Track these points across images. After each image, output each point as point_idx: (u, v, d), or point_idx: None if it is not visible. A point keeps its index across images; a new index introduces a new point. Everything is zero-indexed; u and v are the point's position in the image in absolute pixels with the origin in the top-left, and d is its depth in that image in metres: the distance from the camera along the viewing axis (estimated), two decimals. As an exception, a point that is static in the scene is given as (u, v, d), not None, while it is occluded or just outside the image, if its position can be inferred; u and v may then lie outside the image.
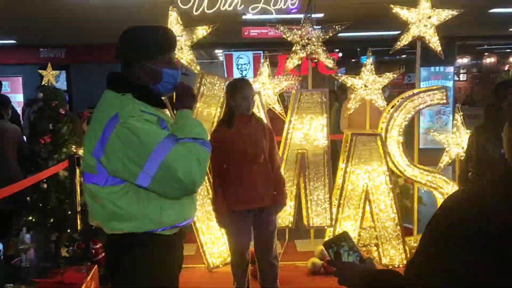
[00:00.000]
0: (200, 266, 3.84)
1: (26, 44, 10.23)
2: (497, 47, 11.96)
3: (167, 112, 1.95)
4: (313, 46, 4.05)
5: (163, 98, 1.82)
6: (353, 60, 13.37)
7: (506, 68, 13.28)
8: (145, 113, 1.64)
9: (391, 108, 3.80)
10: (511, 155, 1.03)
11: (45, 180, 3.52)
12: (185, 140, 1.64)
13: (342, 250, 1.18)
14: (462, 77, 13.54)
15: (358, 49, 11.49)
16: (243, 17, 6.88)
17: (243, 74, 10.27)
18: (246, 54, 10.58)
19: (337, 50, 11.66)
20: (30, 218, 3.57)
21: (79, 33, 7.58)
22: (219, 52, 12.27)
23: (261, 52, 10.20)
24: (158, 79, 1.74)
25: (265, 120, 3.62)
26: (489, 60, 11.22)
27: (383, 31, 9.46)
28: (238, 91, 2.85)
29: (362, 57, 12.38)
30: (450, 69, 10.75)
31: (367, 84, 4.04)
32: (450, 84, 9.93)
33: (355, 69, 10.65)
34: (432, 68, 10.52)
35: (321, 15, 7.11)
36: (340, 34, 10.16)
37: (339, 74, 4.21)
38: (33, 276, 2.80)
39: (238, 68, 10.69)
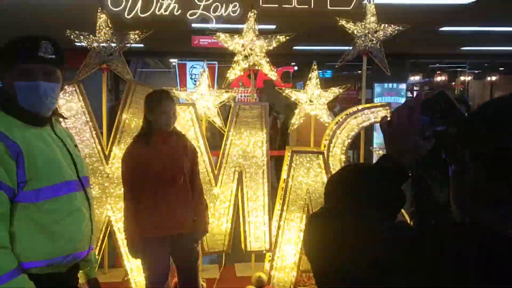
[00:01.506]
0: (126, 294, 3.47)
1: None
2: (449, 65, 12.26)
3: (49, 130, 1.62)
4: (256, 57, 3.82)
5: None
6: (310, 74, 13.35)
7: (454, 85, 13.69)
8: None
9: (335, 125, 3.60)
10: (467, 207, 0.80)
11: None
12: None
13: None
14: (415, 94, 13.80)
15: (314, 62, 11.45)
16: (192, 25, 6.60)
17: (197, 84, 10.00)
18: (200, 64, 10.30)
19: (293, 63, 11.59)
20: None
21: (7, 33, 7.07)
22: (174, 61, 11.94)
23: (216, 62, 9.96)
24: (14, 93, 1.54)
25: (195, 136, 3.33)
26: (440, 78, 11.47)
27: (339, 45, 9.46)
28: (157, 105, 2.54)
29: (321, 71, 12.42)
30: (403, 85, 10.91)
31: (312, 99, 3.85)
32: (402, 100, 10.04)
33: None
34: (386, 85, 10.62)
35: (273, 26, 6.94)
36: (295, 48, 10.14)
37: (283, 88, 4.01)
38: None
39: (191, 78, 10.41)
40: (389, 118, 0.98)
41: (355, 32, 3.91)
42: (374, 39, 3.95)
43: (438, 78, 11.66)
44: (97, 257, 3.30)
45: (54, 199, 1.49)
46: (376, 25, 3.91)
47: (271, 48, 3.84)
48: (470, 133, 0.76)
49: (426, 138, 0.94)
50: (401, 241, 0.74)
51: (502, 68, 12.70)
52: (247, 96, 12.01)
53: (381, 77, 10.44)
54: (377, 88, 10.63)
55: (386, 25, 3.92)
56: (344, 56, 4.05)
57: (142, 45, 8.99)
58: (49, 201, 1.47)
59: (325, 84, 6.22)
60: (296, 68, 11.66)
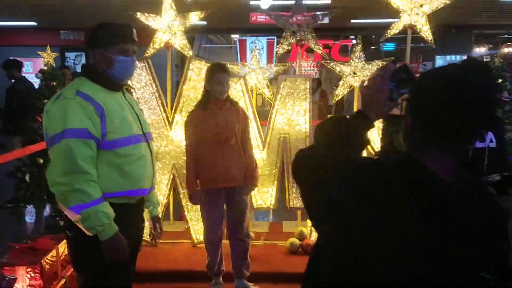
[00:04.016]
0: (187, 241, 4.03)
1: (47, 27, 10.58)
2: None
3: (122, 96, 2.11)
4: (302, 33, 4.14)
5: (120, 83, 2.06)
6: (373, 47, 13.22)
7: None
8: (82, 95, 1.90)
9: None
10: (408, 144, 1.11)
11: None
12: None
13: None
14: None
15: (373, 36, 11.38)
16: (251, 2, 6.95)
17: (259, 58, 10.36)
18: (260, 39, 10.66)
19: (352, 37, 11.57)
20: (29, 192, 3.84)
21: (93, 16, 7.87)
22: (235, 37, 12.37)
23: (275, 37, 10.27)
24: (107, 64, 1.99)
25: (245, 105, 3.75)
26: (508, 49, 10.92)
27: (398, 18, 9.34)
28: (213, 76, 3.00)
29: (387, 43, 12.24)
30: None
31: (355, 71, 4.10)
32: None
33: (376, 56, 10.55)
34: (448, 57, 10.36)
35: (328, 1, 7.12)
36: (354, 21, 10.12)
37: (328, 61, 4.29)
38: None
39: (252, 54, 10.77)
40: (366, 83, 1.33)
41: (401, 6, 4.05)
42: (420, 12, 4.06)
43: (506, 50, 11.11)
44: (162, 208, 3.91)
45: (127, 147, 1.96)
46: (422, -1, 4.01)
47: (317, 24, 4.12)
48: (410, 94, 1.10)
49: (393, 99, 1.28)
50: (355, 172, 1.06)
51: None
52: (307, 70, 12.24)
53: (444, 50, 10.21)
54: (439, 60, 10.40)
55: (433, -2, 4.00)
56: (390, 30, 4.20)
57: (205, 23, 9.52)
58: (122, 149, 1.95)
59: (386, 56, 6.30)
60: (354, 41, 11.60)
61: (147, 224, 2.28)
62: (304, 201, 1.16)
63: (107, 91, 1.98)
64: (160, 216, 3.88)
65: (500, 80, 4.12)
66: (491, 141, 2.81)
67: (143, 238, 2.30)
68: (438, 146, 1.01)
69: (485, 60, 13.25)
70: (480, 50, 11.93)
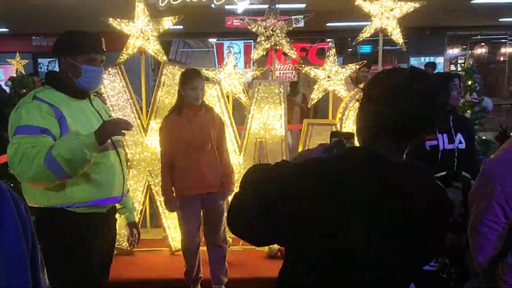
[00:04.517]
0: (165, 249, 3.99)
1: (19, 33, 10.38)
2: (491, 38, 11.91)
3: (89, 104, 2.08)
4: (277, 37, 4.15)
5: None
6: (350, 49, 13.38)
7: (502, 59, 13.25)
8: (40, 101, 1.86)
9: (349, 98, 3.90)
10: (363, 141, 1.19)
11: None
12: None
13: (348, 143, 1.27)
14: (458, 67, 13.51)
15: (349, 39, 11.52)
16: (226, 6, 6.95)
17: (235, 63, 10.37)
18: (237, 43, 10.67)
19: (329, 40, 11.69)
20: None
21: (65, 21, 7.76)
22: (213, 41, 12.37)
23: (252, 41, 10.29)
24: (74, 73, 1.97)
25: (221, 111, 3.74)
26: (481, 50, 11.21)
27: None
28: (187, 82, 2.98)
29: (364, 46, 12.40)
30: (441, 59, 10.78)
31: (330, 75, 4.14)
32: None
33: (353, 58, 10.68)
34: (422, 59, 10.56)
35: (303, 5, 7.18)
36: (329, 24, 10.23)
37: (303, 66, 4.32)
38: None
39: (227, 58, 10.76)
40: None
41: (372, 11, 4.12)
42: (390, 16, 4.14)
43: (479, 50, 11.40)
44: (139, 216, 3.87)
45: (95, 156, 1.95)
46: (393, 3, 4.09)
47: (291, 28, 4.15)
48: (362, 99, 1.19)
49: None
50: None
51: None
52: (284, 73, 12.29)
53: (418, 51, 10.41)
54: (414, 62, 10.60)
55: (403, 2, 4.09)
56: (361, 34, 4.27)
57: (181, 27, 9.47)
58: None
59: (362, 59, 6.38)
60: (331, 44, 11.73)
61: (123, 232, 2.25)
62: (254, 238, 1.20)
63: (71, 99, 1.95)
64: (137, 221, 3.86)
65: (469, 83, 4.22)
66: (460, 142, 2.88)
67: (119, 246, 2.27)
68: (388, 141, 1.12)
69: (459, 61, 13.59)
70: (453, 51, 12.21)
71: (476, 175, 2.93)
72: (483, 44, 11.93)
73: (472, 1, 7.05)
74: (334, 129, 3.75)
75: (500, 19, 9.49)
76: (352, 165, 1.08)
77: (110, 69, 3.79)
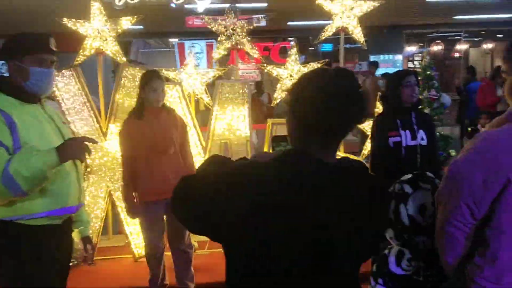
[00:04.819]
0: (128, 256, 3.87)
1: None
2: (446, 35, 12.34)
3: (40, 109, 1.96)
4: (238, 37, 4.11)
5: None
6: (311, 48, 13.53)
7: (457, 55, 13.74)
8: None
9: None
10: (293, 142, 1.19)
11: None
12: None
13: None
14: (416, 64, 13.91)
15: (311, 38, 11.63)
16: (185, 6, 6.84)
17: (196, 63, 10.25)
18: (199, 43, 10.54)
19: (290, 39, 11.76)
20: None
21: (17, 22, 7.43)
22: (174, 41, 12.19)
23: (214, 40, 10.20)
24: (23, 75, 1.84)
25: (183, 112, 3.66)
26: (437, 47, 11.58)
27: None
28: (147, 83, 2.88)
29: (325, 44, 12.54)
30: (399, 56, 11.07)
31: (292, 74, 4.13)
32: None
33: (315, 57, 10.72)
34: (382, 56, 10.80)
35: (264, 4, 7.16)
36: (290, 23, 10.28)
37: (265, 65, 4.29)
38: None
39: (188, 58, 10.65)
40: None
41: (333, 10, 4.14)
42: (351, 15, 4.17)
43: (435, 48, 11.76)
44: (100, 223, 3.73)
45: None
46: (352, 2, 4.13)
47: (251, 27, 4.11)
48: (290, 99, 1.18)
49: None
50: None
51: (501, 36, 12.74)
52: (247, 73, 12.26)
53: (377, 49, 10.62)
54: (373, 59, 10.80)
55: (362, 1, 4.13)
56: (324, 32, 4.29)
57: (141, 27, 9.26)
58: None
59: (324, 57, 6.39)
60: (292, 43, 11.83)
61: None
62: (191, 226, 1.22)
63: (22, 104, 1.83)
64: (97, 232, 3.71)
65: (427, 79, 4.31)
66: (422, 139, 2.92)
67: (72, 261, 2.16)
68: (318, 141, 1.13)
69: (416, 58, 13.99)
70: (411, 49, 12.55)
71: (438, 170, 3.02)
72: (438, 41, 12.32)
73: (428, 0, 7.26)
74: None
75: (454, 17, 9.82)
76: (286, 167, 1.09)
77: (64, 71, 3.63)
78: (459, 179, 1.48)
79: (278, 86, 4.20)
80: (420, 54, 14.07)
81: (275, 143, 1.35)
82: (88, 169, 3.70)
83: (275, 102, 4.29)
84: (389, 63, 10.82)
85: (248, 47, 4.11)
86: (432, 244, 1.64)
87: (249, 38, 4.12)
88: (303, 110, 1.11)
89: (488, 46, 12.05)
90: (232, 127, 3.80)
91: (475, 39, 13.13)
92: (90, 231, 2.25)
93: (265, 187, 1.05)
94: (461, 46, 12.43)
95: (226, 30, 4.07)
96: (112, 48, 3.93)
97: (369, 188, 1.16)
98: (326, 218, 1.07)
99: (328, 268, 1.09)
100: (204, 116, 6.53)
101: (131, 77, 3.69)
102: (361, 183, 1.15)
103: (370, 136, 3.30)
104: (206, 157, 3.83)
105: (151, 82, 2.87)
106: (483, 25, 11.14)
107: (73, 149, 1.77)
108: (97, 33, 3.84)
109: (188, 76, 4.08)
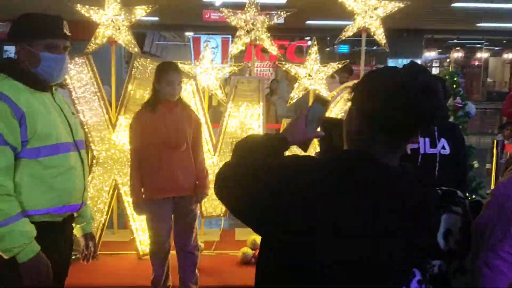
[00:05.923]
0: (132, 253, 3.76)
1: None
2: (467, 42, 12.06)
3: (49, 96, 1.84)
4: (257, 32, 3.96)
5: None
6: (328, 49, 13.33)
7: (476, 63, 13.46)
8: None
9: (330, 99, 3.75)
10: (355, 144, 1.12)
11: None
12: None
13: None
14: (434, 70, 13.65)
15: (328, 38, 11.43)
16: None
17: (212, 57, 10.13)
18: (215, 37, 10.41)
19: (307, 38, 11.59)
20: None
21: (29, 6, 7.34)
22: (189, 35, 12.08)
23: (230, 36, 10.05)
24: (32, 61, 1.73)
25: (195, 107, 3.53)
26: (457, 54, 11.32)
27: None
28: (163, 75, 2.75)
29: (342, 46, 12.34)
30: (418, 61, 10.80)
31: (311, 74, 3.98)
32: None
33: (331, 58, 10.57)
34: (400, 60, 10.56)
35: (283, 1, 7.00)
36: (309, 22, 10.10)
37: (283, 63, 4.15)
38: None
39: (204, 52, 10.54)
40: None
41: (355, 9, 3.98)
42: (374, 15, 4.01)
43: (455, 54, 11.51)
44: (105, 217, 3.62)
45: (52, 157, 1.71)
46: (376, 2, 3.96)
47: (272, 23, 3.96)
48: (356, 97, 1.12)
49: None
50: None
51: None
52: (262, 71, 12.12)
53: (396, 53, 10.40)
54: (391, 63, 10.60)
55: (387, 1, 3.96)
56: (344, 32, 4.12)
57: (157, 18, 9.15)
58: (48, 159, 1.69)
59: (340, 59, 6.25)
60: (309, 43, 11.66)
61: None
62: (236, 212, 1.19)
63: (32, 91, 1.71)
64: (100, 227, 3.59)
65: (454, 86, 4.13)
66: (444, 147, 2.76)
67: (74, 254, 2.04)
68: (386, 141, 1.08)
69: (434, 64, 13.73)
70: (430, 54, 12.30)
71: (460, 182, 2.84)
72: (458, 48, 12.06)
73: (453, 5, 7.03)
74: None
75: (478, 24, 9.57)
76: (347, 168, 1.04)
77: (76, 58, 3.51)
78: (509, 205, 1.30)
79: (296, 85, 4.05)
80: (438, 60, 13.83)
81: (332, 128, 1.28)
82: (94, 161, 3.59)
83: (291, 102, 4.14)
84: (407, 68, 10.58)
85: (267, 43, 3.96)
86: (447, 269, 1.49)
87: (268, 34, 3.97)
88: (372, 106, 1.05)
89: (509, 56, 11.75)
90: (245, 126, 3.66)
91: (495, 48, 12.84)
92: (93, 227, 2.13)
93: (320, 187, 1.00)
94: (482, 54, 12.15)
95: (246, 25, 3.93)
96: (124, 38, 3.81)
97: (420, 200, 1.09)
98: (381, 231, 1.01)
99: (370, 281, 1.02)
100: (215, 112, 6.42)
101: (143, 69, 3.57)
102: (413, 193, 1.09)
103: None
104: (217, 155, 3.70)
105: (168, 74, 2.74)
106: (505, 34, 10.87)
107: (33, 272, 1.66)
108: (110, 21, 3.73)
109: (204, 70, 3.94)
